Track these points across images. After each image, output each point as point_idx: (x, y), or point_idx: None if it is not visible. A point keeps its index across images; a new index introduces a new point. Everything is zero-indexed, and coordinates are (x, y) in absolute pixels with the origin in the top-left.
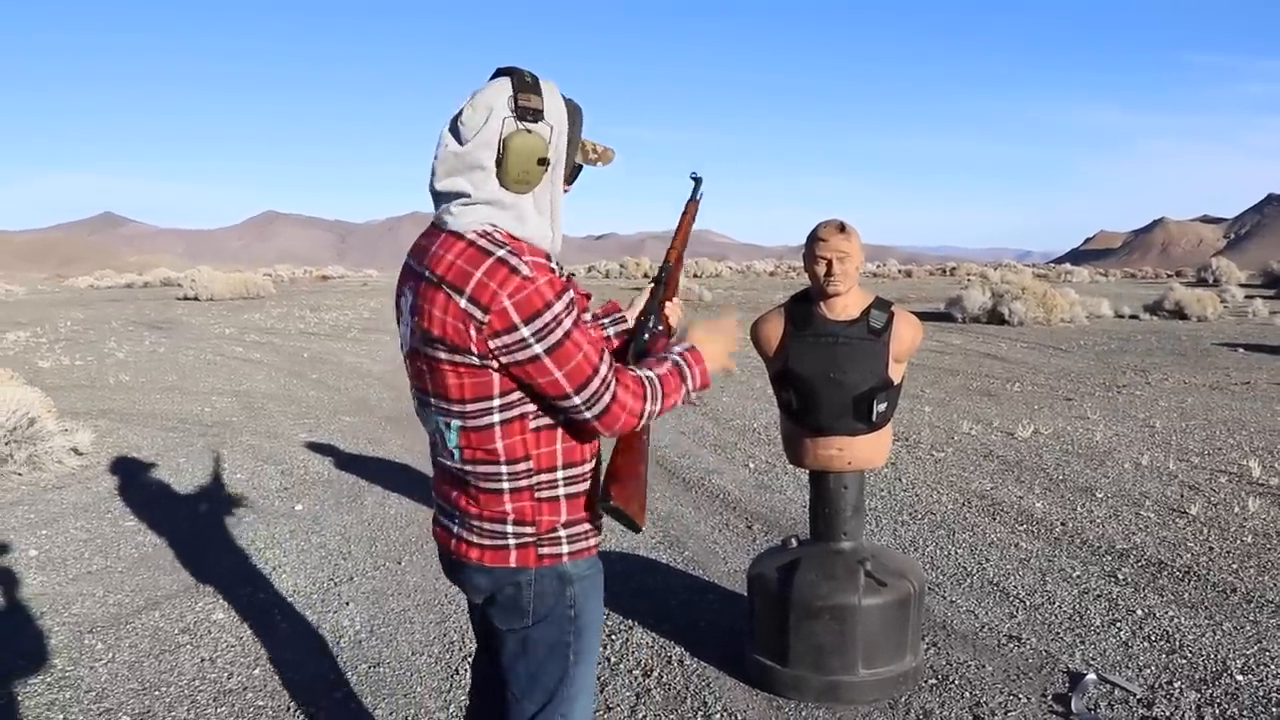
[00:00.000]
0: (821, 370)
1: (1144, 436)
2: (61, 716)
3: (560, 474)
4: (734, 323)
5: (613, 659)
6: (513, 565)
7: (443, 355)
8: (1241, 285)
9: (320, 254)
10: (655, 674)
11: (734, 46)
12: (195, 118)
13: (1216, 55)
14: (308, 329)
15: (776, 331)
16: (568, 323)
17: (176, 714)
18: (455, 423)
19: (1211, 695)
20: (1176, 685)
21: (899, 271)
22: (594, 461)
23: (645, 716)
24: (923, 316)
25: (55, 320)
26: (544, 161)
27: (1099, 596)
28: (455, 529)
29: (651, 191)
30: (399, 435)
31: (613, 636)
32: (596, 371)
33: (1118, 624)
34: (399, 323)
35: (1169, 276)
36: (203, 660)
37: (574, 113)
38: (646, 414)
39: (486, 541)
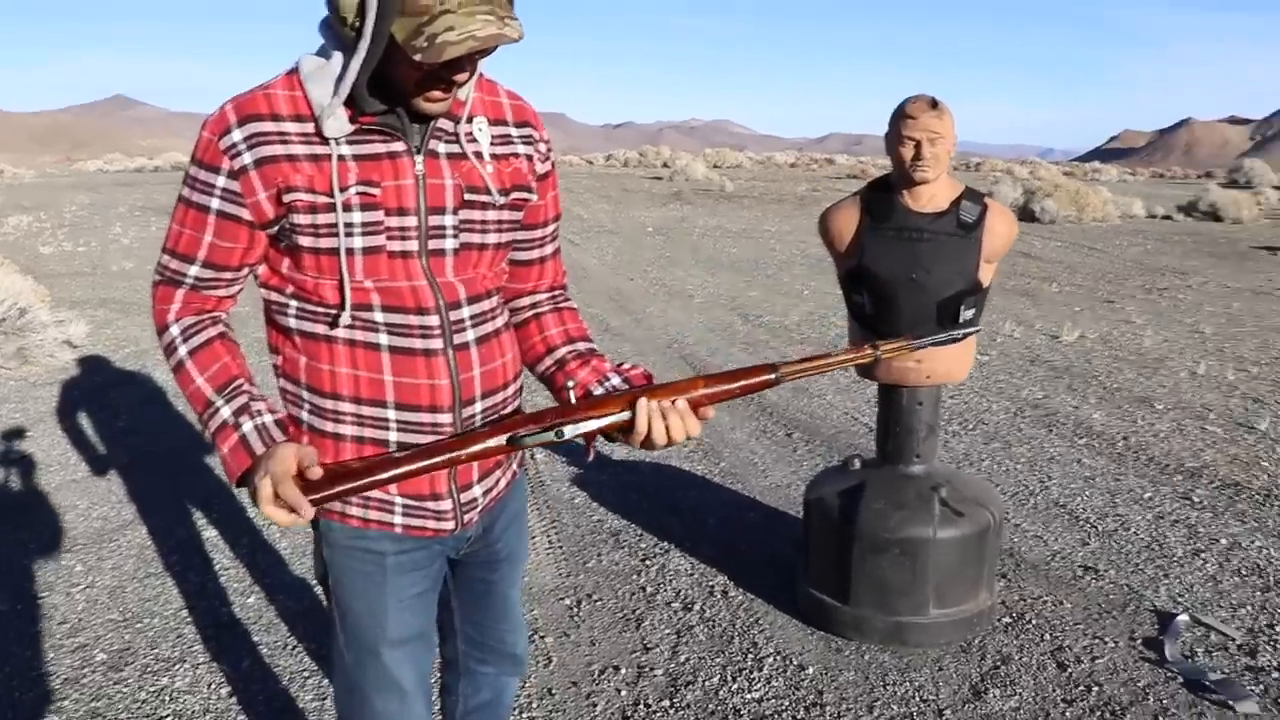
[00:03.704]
0: (902, 270)
1: (1195, 343)
2: (29, 652)
3: (305, 393)
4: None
5: (648, 589)
6: None
7: None
8: (1275, 188)
9: None
10: (697, 608)
11: None
12: None
13: None
14: None
15: (850, 224)
16: (186, 190)
17: (160, 651)
18: None
19: None
20: (1279, 629)
21: None
22: (359, 404)
23: (689, 660)
24: None
25: (61, 205)
26: (344, 20)
27: (1176, 522)
28: None
29: (668, 81)
30: None
31: (647, 562)
32: (161, 250)
33: (1202, 554)
34: None
35: (1199, 177)
36: (191, 586)
37: None
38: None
39: None
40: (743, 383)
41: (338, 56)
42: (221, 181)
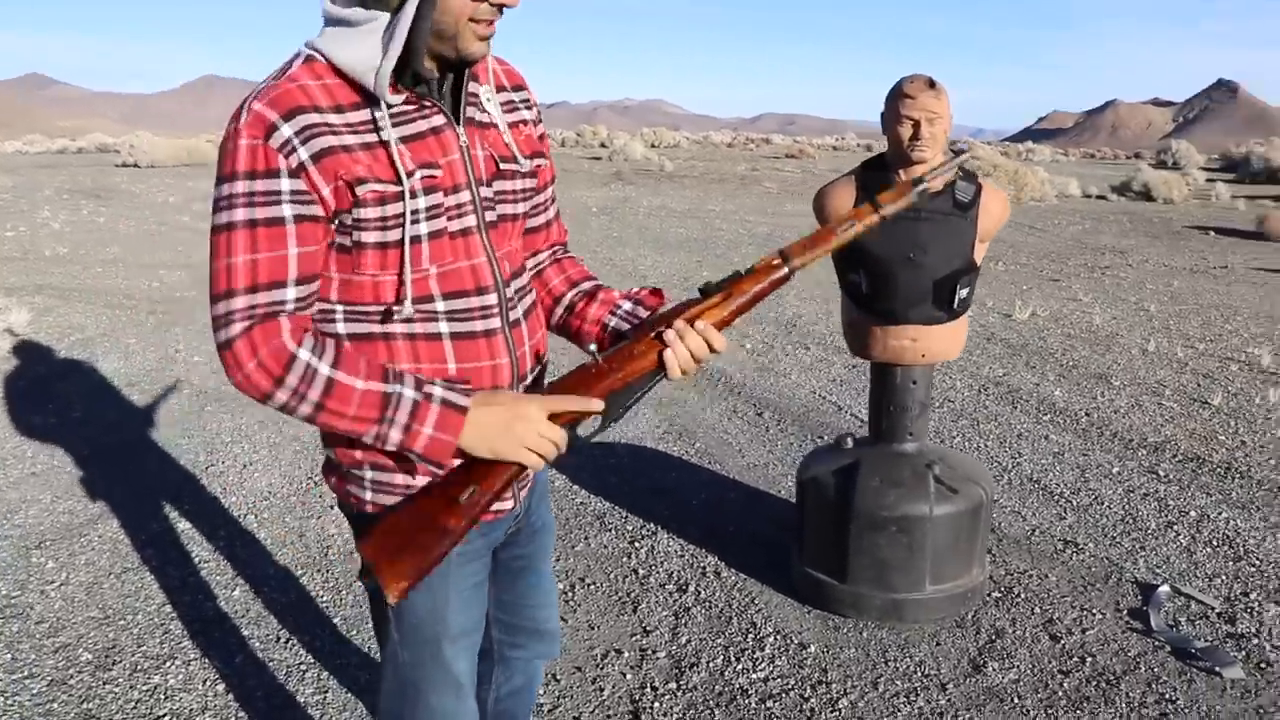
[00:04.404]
0: (899, 249)
1: (1142, 321)
2: (9, 655)
3: None
4: (532, 414)
5: (640, 571)
6: (333, 489)
7: None
8: (1202, 169)
9: None
10: (691, 589)
11: None
12: None
13: None
14: None
15: (846, 203)
16: (241, 213)
17: (147, 649)
18: None
19: None
20: (1253, 597)
21: (858, 145)
22: None
23: (690, 641)
24: None
25: None
26: None
27: (1146, 495)
28: None
29: (602, 60)
30: None
31: (636, 544)
32: (224, 296)
33: (1174, 527)
34: None
35: (1128, 158)
36: (172, 580)
37: None
38: (276, 401)
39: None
40: (759, 286)
41: (379, 15)
42: (286, 184)
